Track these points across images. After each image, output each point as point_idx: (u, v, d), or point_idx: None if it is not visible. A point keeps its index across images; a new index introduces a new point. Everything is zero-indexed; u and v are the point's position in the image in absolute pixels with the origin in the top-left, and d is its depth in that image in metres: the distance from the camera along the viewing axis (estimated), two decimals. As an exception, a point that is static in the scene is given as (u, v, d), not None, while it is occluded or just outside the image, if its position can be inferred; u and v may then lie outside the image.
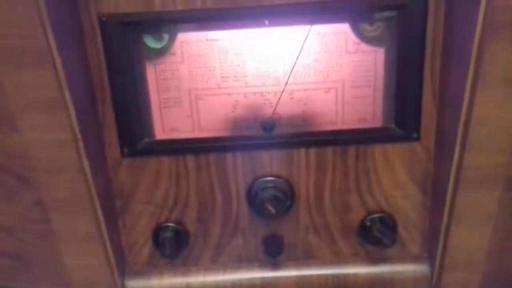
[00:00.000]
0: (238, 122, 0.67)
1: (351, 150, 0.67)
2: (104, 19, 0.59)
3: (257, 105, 0.67)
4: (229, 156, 0.68)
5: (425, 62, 0.62)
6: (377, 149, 0.67)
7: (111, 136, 0.66)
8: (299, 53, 0.63)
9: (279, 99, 0.65)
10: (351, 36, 0.63)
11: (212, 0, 0.58)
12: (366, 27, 0.63)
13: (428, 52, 0.62)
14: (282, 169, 0.68)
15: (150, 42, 0.64)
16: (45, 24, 0.53)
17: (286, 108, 0.67)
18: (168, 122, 0.68)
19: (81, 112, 0.58)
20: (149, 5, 0.59)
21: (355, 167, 0.69)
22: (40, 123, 0.57)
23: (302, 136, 0.67)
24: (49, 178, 0.60)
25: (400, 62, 0.63)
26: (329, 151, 0.68)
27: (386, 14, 0.61)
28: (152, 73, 0.65)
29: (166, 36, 0.63)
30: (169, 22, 0.62)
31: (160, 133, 0.69)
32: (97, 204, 0.62)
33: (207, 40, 0.63)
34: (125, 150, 0.67)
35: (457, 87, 0.59)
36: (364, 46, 0.63)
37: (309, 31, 0.62)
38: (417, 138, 0.66)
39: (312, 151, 0.67)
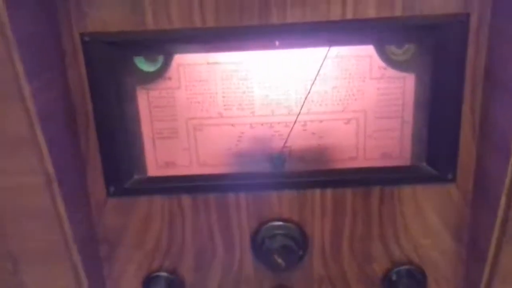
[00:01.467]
0: (242, 157, 0.61)
1: (375, 191, 0.60)
2: (87, 39, 0.53)
3: (265, 138, 0.61)
4: (231, 196, 0.61)
5: (465, 90, 0.55)
6: (405, 191, 0.60)
7: (96, 173, 0.59)
8: (315, 79, 0.57)
9: (291, 130, 0.59)
10: (376, 60, 0.57)
11: (214, 18, 0.52)
12: (394, 49, 0.57)
13: (468, 78, 0.55)
14: (293, 212, 0.62)
15: (142, 64, 0.58)
16: (10, 46, 0.44)
17: (299, 141, 0.61)
18: (162, 156, 0.62)
19: (57, 149, 0.51)
20: (140, 23, 0.53)
21: (378, 211, 0.61)
22: (5, 166, 0.48)
23: (317, 174, 0.61)
24: (18, 227, 0.52)
25: (434, 90, 0.56)
26: (348, 192, 0.60)
27: (419, 35, 0.54)
28: (144, 100, 0.59)
29: (160, 58, 0.57)
30: (164, 42, 0.56)
31: (153, 169, 0.62)
32: (75, 252, 0.55)
33: (208, 63, 0.57)
34: (112, 188, 0.60)
35: (503, 120, 0.51)
36: (391, 72, 0.57)
37: (327, 53, 0.56)
38: (453, 179, 0.59)
39: (329, 191, 0.60)
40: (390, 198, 0.61)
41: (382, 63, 0.57)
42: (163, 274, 0.65)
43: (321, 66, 0.57)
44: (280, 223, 0.62)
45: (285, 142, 0.60)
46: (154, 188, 0.61)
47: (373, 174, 0.60)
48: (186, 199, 0.61)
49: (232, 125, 0.60)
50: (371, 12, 0.52)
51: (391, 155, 0.61)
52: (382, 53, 0.57)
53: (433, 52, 0.55)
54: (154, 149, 0.61)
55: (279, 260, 0.59)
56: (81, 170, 0.59)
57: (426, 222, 0.62)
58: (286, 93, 0.59)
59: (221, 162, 0.62)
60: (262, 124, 0.60)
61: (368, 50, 0.57)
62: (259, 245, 0.62)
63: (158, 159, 0.62)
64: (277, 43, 0.56)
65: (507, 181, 0.51)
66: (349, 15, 0.52)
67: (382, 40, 0.56)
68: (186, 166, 0.62)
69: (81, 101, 0.56)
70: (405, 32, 0.55)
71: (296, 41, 0.56)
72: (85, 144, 0.58)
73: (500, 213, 0.53)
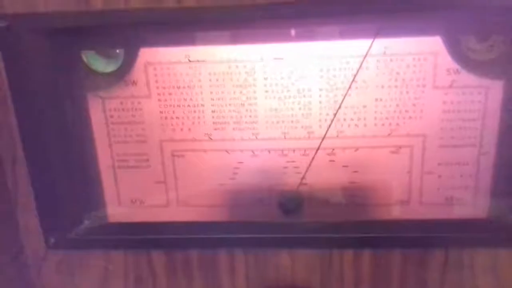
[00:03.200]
0: (240, 197, 0.51)
1: (436, 256, 0.49)
2: (2, 24, 0.42)
3: (273, 171, 0.50)
4: (224, 255, 0.50)
5: None
6: (481, 256, 0.48)
7: (28, 217, 0.49)
8: (349, 87, 0.45)
9: (311, 161, 0.48)
10: (445, 59, 0.45)
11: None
12: (472, 44, 0.44)
13: None
14: (312, 280, 0.51)
15: (94, 62, 0.47)
16: None
17: (323, 176, 0.50)
18: (127, 192, 0.50)
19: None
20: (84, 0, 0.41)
21: (440, 283, 0.49)
22: None
23: (349, 227, 0.50)
24: None
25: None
26: (395, 255, 0.49)
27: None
28: (98, 112, 0.48)
29: (120, 54, 0.47)
30: (122, 30, 0.45)
31: (113, 210, 0.51)
32: None
33: (190, 61, 0.46)
34: (52, 239, 0.49)
35: None
36: (466, 77, 0.45)
37: (369, 48, 0.44)
38: (554, 242, 0.47)
39: (366, 254, 0.49)
40: (458, 266, 0.49)
41: (453, 64, 0.45)
42: None
43: (359, 68, 0.45)
44: None
45: (303, 178, 0.49)
46: (113, 240, 0.50)
47: (433, 229, 0.49)
48: (158, 257, 0.51)
49: (226, 151, 0.49)
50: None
51: (461, 201, 0.49)
52: (455, 49, 0.45)
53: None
54: (114, 182, 0.50)
55: None
56: (8, 215, 0.48)
57: (511, 303, 0.49)
58: (304, 107, 0.47)
59: (209, 203, 0.51)
60: (269, 151, 0.49)
61: (432, 45, 0.45)
62: (263, 327, 0.50)
63: (120, 196, 0.50)
64: (292, 32, 0.45)
65: None
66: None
67: (455, 29, 0.44)
68: (160, 207, 0.51)
69: (1, 118, 0.46)
70: (491, 19, 0.43)
71: (321, 28, 0.45)
72: (12, 178, 0.48)
73: None
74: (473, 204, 0.49)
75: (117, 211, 0.50)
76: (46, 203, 0.48)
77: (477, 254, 0.48)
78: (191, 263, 0.50)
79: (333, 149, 0.47)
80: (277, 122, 0.47)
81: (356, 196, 0.49)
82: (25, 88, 0.44)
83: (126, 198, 0.50)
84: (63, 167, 0.47)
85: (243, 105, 0.46)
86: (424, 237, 0.49)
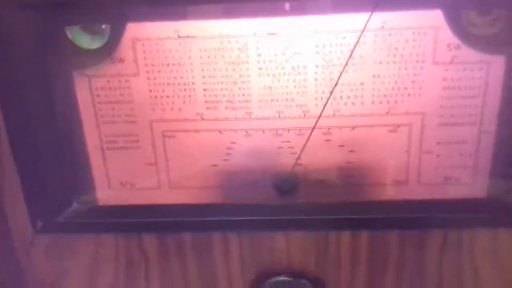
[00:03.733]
0: (234, 178, 0.49)
1: (434, 236, 0.47)
2: None
3: (267, 151, 0.48)
4: (217, 237, 0.48)
5: None
6: (480, 236, 0.47)
7: (14, 201, 0.46)
8: (346, 63, 0.43)
9: (307, 141, 0.47)
10: (445, 34, 0.43)
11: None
12: (474, 17, 0.42)
13: None
14: (308, 263, 0.49)
15: (79, 38, 0.44)
16: None
17: (318, 156, 0.48)
18: (116, 175, 0.49)
19: None
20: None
21: (438, 265, 0.48)
22: None
23: (346, 207, 0.48)
24: None
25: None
26: (393, 236, 0.47)
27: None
28: (84, 91, 0.46)
29: (106, 29, 0.44)
30: (109, 3, 0.43)
31: (102, 193, 0.49)
32: None
33: (179, 36, 0.44)
34: (39, 223, 0.47)
35: None
36: (467, 52, 0.43)
37: (366, 22, 0.42)
38: (555, 221, 0.46)
39: (364, 235, 0.47)
40: (457, 246, 0.48)
41: (454, 39, 0.43)
42: None
43: (356, 44, 0.43)
44: (289, 278, 0.49)
45: (298, 159, 0.48)
46: (103, 223, 0.48)
47: (432, 209, 0.48)
48: (150, 240, 0.49)
49: (219, 131, 0.47)
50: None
51: (460, 181, 0.48)
52: (456, 23, 0.43)
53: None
54: (103, 164, 0.48)
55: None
56: None
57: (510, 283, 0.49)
58: (300, 85, 0.45)
59: (202, 185, 0.49)
60: (263, 131, 0.47)
61: (432, 19, 0.43)
62: (257, 311, 0.49)
63: (110, 179, 0.49)
64: (287, 5, 0.43)
65: None
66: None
67: (457, 2, 0.42)
68: (151, 190, 0.49)
69: None
70: None
71: (316, 2, 0.43)
72: None
73: None
74: (472, 184, 0.47)
75: (106, 194, 0.48)
76: (32, 186, 0.46)
77: (476, 234, 0.47)
78: (184, 247, 0.48)
79: (329, 128, 0.46)
80: (271, 101, 0.45)
81: (352, 176, 0.47)
82: (8, 66, 0.41)
83: (115, 180, 0.48)
84: (50, 149, 0.45)
85: (235, 83, 0.44)
86: (423, 217, 0.47)
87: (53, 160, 0.45)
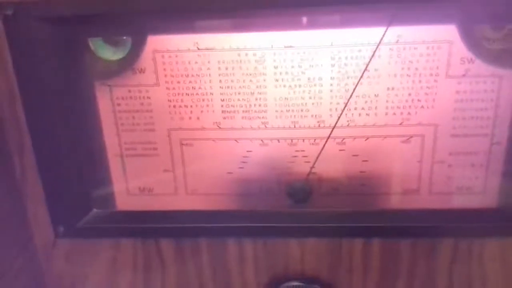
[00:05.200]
0: (249, 186, 0.49)
1: (444, 245, 0.47)
2: (8, 12, 0.40)
3: (282, 160, 0.47)
4: (233, 243, 0.48)
5: None
6: (490, 246, 0.46)
7: (37, 206, 0.47)
8: (361, 76, 0.43)
9: (321, 151, 0.47)
10: (459, 48, 0.43)
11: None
12: (488, 32, 0.42)
13: None
14: (321, 270, 0.49)
15: (102, 50, 0.45)
16: None
17: (333, 166, 0.48)
18: (135, 181, 0.49)
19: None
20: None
21: (448, 274, 0.48)
22: None
23: (359, 216, 0.48)
24: None
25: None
26: (405, 244, 0.47)
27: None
28: (106, 101, 0.47)
29: (127, 41, 0.45)
30: (130, 16, 0.43)
31: (122, 198, 0.49)
32: None
33: (199, 49, 0.44)
34: (61, 228, 0.47)
35: None
36: (480, 66, 0.43)
37: (382, 37, 0.42)
38: None
39: (376, 243, 0.47)
40: (467, 255, 0.48)
41: (467, 53, 0.43)
42: None
43: (371, 57, 0.43)
44: (302, 283, 0.49)
45: (312, 167, 0.48)
46: (122, 228, 0.49)
47: (443, 218, 0.48)
48: (167, 245, 0.49)
49: (235, 140, 0.48)
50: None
51: (471, 191, 0.47)
52: (469, 38, 0.43)
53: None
54: (123, 171, 0.48)
55: None
56: (16, 204, 0.46)
57: (519, 292, 0.48)
58: (315, 96, 0.45)
59: (218, 192, 0.50)
60: (278, 140, 0.47)
61: (446, 33, 0.43)
62: (271, 316, 0.49)
63: (129, 185, 0.49)
64: (304, 19, 0.43)
65: None
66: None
67: (471, 17, 0.42)
68: (168, 196, 0.49)
69: (8, 107, 0.44)
70: (507, 8, 0.41)
71: (333, 16, 0.43)
72: (20, 168, 0.46)
73: None
74: (483, 194, 0.47)
75: (125, 199, 0.49)
76: (54, 192, 0.46)
77: (486, 244, 0.47)
78: (200, 252, 0.48)
79: (343, 138, 0.46)
80: (287, 111, 0.45)
81: (365, 185, 0.47)
82: (32, 77, 0.42)
83: (134, 186, 0.48)
84: (71, 156, 0.45)
85: (252, 93, 0.44)
86: (434, 226, 0.47)
87: (74, 166, 0.46)
